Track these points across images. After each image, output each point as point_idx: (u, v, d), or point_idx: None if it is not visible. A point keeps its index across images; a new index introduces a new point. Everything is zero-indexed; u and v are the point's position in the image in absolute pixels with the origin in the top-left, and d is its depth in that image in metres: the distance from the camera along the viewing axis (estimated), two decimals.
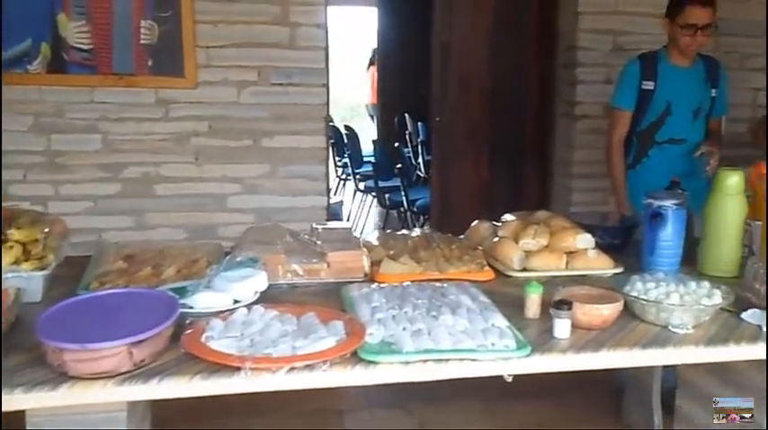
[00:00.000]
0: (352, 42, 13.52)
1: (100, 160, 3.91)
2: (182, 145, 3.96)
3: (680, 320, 1.77)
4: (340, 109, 13.49)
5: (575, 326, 1.74)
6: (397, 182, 5.89)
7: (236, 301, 1.85)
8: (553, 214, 2.53)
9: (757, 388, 1.99)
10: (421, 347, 1.59)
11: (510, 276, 2.21)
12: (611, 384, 3.23)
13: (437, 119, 5.01)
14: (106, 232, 3.90)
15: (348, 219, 6.61)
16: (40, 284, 1.90)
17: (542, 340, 1.70)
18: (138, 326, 1.51)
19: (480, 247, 2.37)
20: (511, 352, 1.60)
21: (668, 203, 2.17)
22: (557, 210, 4.16)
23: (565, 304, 1.72)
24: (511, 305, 1.89)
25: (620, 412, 3.11)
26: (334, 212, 4.90)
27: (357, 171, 6.95)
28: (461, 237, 2.52)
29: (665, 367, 2.73)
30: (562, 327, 1.72)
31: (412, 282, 2.04)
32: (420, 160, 7.13)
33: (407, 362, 1.57)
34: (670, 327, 1.77)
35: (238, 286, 1.87)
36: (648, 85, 3.22)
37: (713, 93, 3.33)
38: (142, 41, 3.79)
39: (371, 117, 10.78)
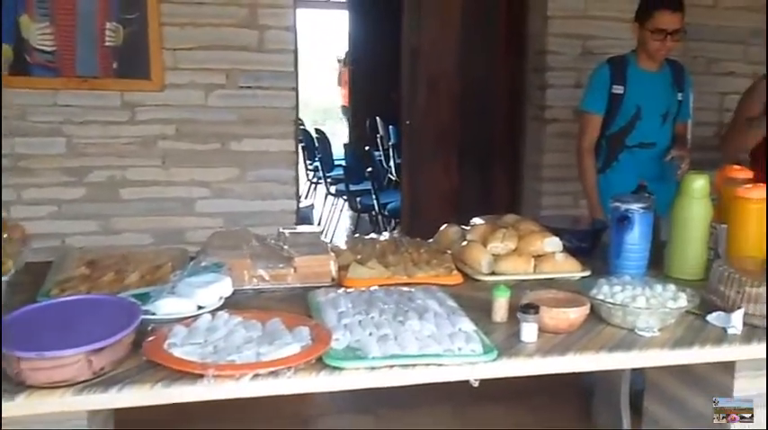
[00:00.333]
0: (324, 45, 13.52)
1: (64, 164, 3.84)
2: (148, 148, 3.91)
3: (646, 323, 1.78)
4: (312, 112, 13.46)
5: (542, 330, 1.74)
6: (368, 185, 5.89)
7: (200, 307, 1.82)
8: (521, 218, 2.53)
9: (723, 389, 2.00)
10: (387, 352, 1.57)
11: (478, 280, 2.20)
12: (581, 386, 3.24)
13: (407, 122, 5.01)
14: (70, 237, 3.84)
15: (319, 223, 6.58)
16: None
17: (509, 344, 1.69)
18: (99, 333, 1.48)
19: (449, 251, 2.36)
20: (477, 356, 1.59)
21: (635, 207, 2.18)
22: (527, 214, 4.18)
23: (532, 308, 1.72)
24: (479, 309, 1.88)
25: (590, 414, 3.12)
26: (304, 216, 4.88)
27: (328, 174, 6.93)
28: (430, 241, 2.51)
29: (633, 369, 2.74)
30: (529, 331, 1.71)
31: (379, 286, 2.02)
32: (391, 163, 7.13)
33: (373, 368, 1.55)
34: (636, 331, 1.78)
35: (202, 292, 1.84)
36: (618, 90, 3.24)
37: (680, 96, 3.36)
38: (107, 43, 3.73)
39: (347, 119, 10.76)
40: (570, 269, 2.26)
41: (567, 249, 2.34)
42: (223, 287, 1.88)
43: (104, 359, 1.46)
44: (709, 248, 2.30)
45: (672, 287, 1.91)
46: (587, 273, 2.23)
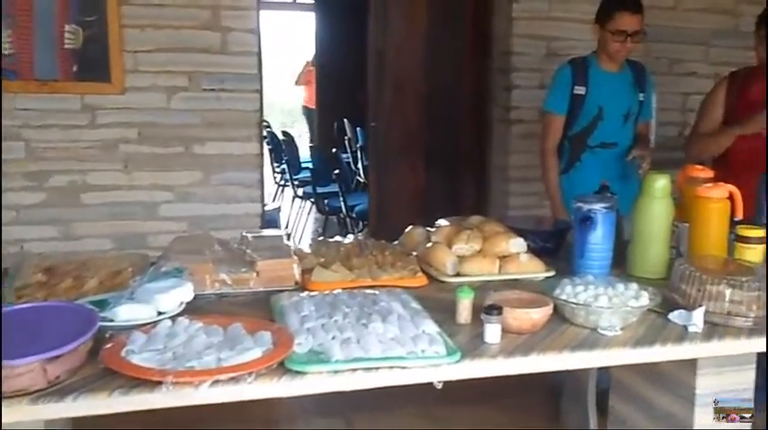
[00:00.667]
0: (291, 47, 13.46)
1: (23, 168, 3.78)
2: (109, 152, 3.85)
3: (608, 322, 1.78)
4: (279, 114, 13.41)
5: (505, 331, 1.73)
6: (335, 187, 5.86)
7: (160, 313, 1.78)
8: (486, 219, 2.53)
9: (685, 387, 2.02)
10: (350, 356, 1.56)
11: (443, 282, 2.20)
12: (549, 386, 3.25)
13: (373, 124, 5.00)
14: (29, 243, 3.77)
15: (286, 226, 6.55)
16: None
17: (473, 345, 1.69)
18: (54, 341, 1.44)
19: (414, 253, 2.35)
20: (440, 358, 1.58)
21: (597, 207, 2.18)
22: (494, 214, 4.20)
23: (495, 309, 1.71)
24: (443, 311, 1.87)
25: (558, 413, 3.13)
26: (271, 219, 4.84)
27: (295, 177, 6.89)
28: (396, 243, 2.50)
29: (599, 368, 2.76)
30: (492, 332, 1.71)
31: (343, 289, 2.00)
32: (359, 165, 7.12)
33: (336, 372, 1.53)
34: (599, 330, 1.78)
35: (163, 297, 1.80)
36: (580, 90, 3.26)
37: (641, 97, 3.40)
38: (66, 46, 3.68)
39: (309, 120, 10.69)
40: (535, 269, 2.26)
41: (532, 250, 2.35)
42: (184, 292, 1.85)
43: (60, 367, 1.43)
44: (672, 247, 2.32)
45: (634, 286, 1.92)
46: (552, 274, 2.23)
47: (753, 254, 2.15)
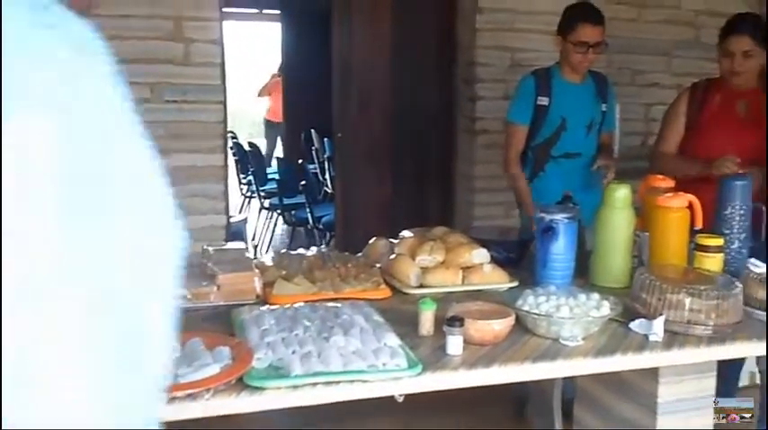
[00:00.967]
0: (258, 58, 13.43)
1: None
2: None
3: (570, 333, 1.79)
4: (246, 125, 13.34)
5: (467, 343, 1.73)
6: (302, 199, 5.84)
7: None
8: (450, 230, 2.53)
9: (647, 395, 2.03)
10: (310, 370, 1.54)
11: (407, 293, 2.19)
12: (515, 396, 3.26)
13: (339, 135, 4.99)
14: None
15: (253, 238, 6.50)
16: None
17: (435, 358, 1.68)
18: None
19: (378, 265, 2.34)
20: (402, 371, 1.58)
21: (559, 217, 2.19)
22: (460, 225, 4.22)
23: (457, 321, 1.71)
24: (407, 323, 1.86)
25: (524, 422, 3.13)
26: (237, 231, 4.80)
27: (262, 188, 6.84)
28: (359, 254, 2.49)
29: (564, 377, 2.77)
30: (455, 344, 1.70)
31: (305, 302, 1.99)
32: (327, 176, 7.10)
33: (296, 387, 1.52)
34: (561, 340, 1.79)
35: None
36: (543, 101, 3.28)
37: (603, 107, 3.43)
38: None
39: (268, 134, 10.55)
40: (498, 280, 2.26)
41: (496, 260, 2.35)
42: None
43: None
44: (633, 256, 2.34)
45: (595, 296, 1.93)
46: (515, 284, 2.24)
47: (712, 263, 2.17)
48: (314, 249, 2.45)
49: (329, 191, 6.88)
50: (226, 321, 1.89)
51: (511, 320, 1.80)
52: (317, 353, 1.61)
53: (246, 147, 7.92)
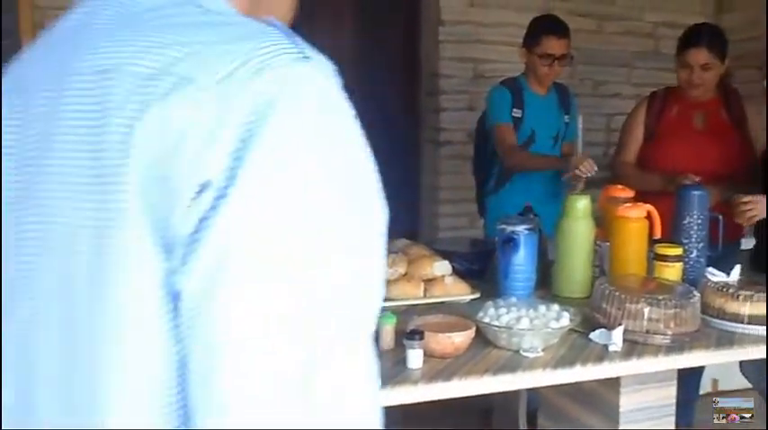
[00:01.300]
0: None
1: None
2: None
3: (530, 344, 1.79)
4: None
5: (428, 356, 1.72)
6: None
7: None
8: (412, 242, 2.52)
9: (609, 405, 2.03)
10: None
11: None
12: (481, 408, 3.26)
13: None
14: None
15: None
16: None
17: (395, 372, 1.67)
18: None
19: None
20: None
21: (520, 228, 2.20)
22: (425, 236, 4.21)
23: (417, 334, 1.70)
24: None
25: None
26: None
27: None
28: None
29: (528, 389, 2.77)
30: (415, 358, 1.69)
31: None
32: None
33: None
34: (521, 352, 1.78)
35: None
36: (517, 113, 3.30)
37: (566, 119, 3.46)
38: None
39: None
40: (460, 292, 2.26)
41: (458, 272, 2.35)
42: None
43: None
44: (594, 266, 2.35)
45: (555, 307, 1.93)
46: (477, 296, 2.24)
47: (671, 272, 2.19)
48: None
49: None
50: None
51: (471, 333, 1.80)
52: None
53: None
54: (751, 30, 4.11)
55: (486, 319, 1.86)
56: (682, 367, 1.95)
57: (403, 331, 1.76)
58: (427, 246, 2.51)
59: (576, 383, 1.95)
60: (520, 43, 3.36)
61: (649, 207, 2.29)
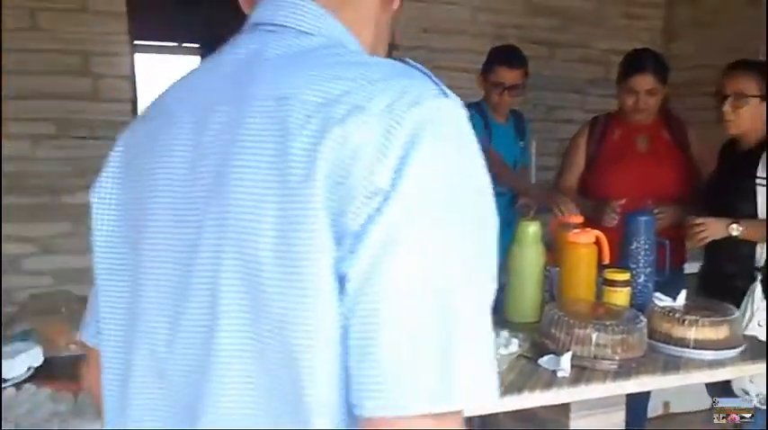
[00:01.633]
0: None
1: None
2: None
3: None
4: None
5: None
6: None
7: (5, 380, 1.66)
8: None
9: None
10: None
11: None
12: None
13: None
14: None
15: None
16: None
17: None
18: None
19: None
20: None
21: None
22: None
23: None
24: None
25: None
26: None
27: None
28: None
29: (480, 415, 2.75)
30: None
31: None
32: None
33: None
34: None
35: (7, 363, 1.68)
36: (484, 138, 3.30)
37: (521, 144, 3.48)
38: None
39: None
40: None
41: None
42: (32, 356, 1.73)
43: None
44: (544, 291, 2.35)
45: (505, 333, 1.93)
46: None
47: (619, 297, 2.20)
48: None
49: None
50: None
51: None
52: None
53: None
54: (697, 58, 4.20)
55: None
56: (630, 392, 1.95)
57: None
58: None
59: (526, 409, 1.93)
60: (474, 69, 3.38)
61: (598, 232, 2.30)
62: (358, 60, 0.78)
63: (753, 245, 2.60)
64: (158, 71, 14.29)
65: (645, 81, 2.91)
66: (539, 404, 1.80)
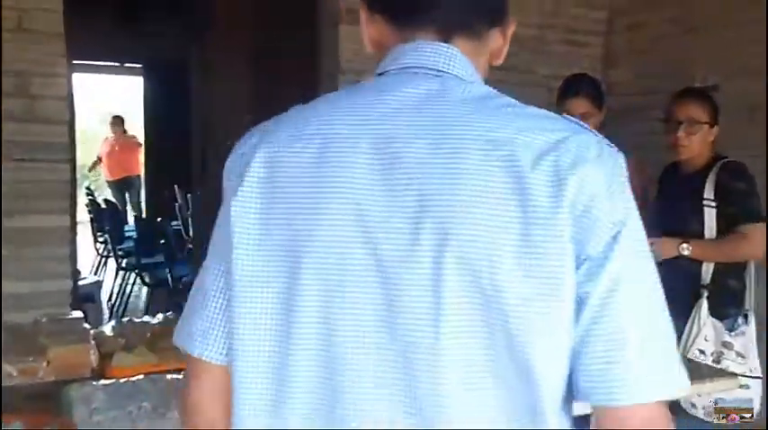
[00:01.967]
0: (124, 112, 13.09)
1: None
2: None
3: None
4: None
5: None
6: (161, 258, 5.62)
7: None
8: None
9: None
10: None
11: None
12: None
13: (198, 192, 4.87)
14: None
15: (109, 300, 6.19)
16: None
17: None
18: None
19: None
20: None
21: None
22: None
23: None
24: None
25: None
26: (87, 295, 4.54)
27: (119, 247, 6.51)
28: None
29: None
30: None
31: (146, 375, 1.87)
32: (192, 234, 6.89)
33: None
34: None
35: None
36: None
37: None
38: None
39: (121, 197, 10.11)
40: None
41: None
42: None
43: None
44: None
45: None
46: None
47: None
48: (160, 316, 2.33)
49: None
50: (55, 399, 1.74)
51: None
52: None
53: (103, 205, 7.61)
54: (636, 84, 4.29)
55: None
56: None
57: None
58: None
59: None
60: None
61: None
62: (539, 113, 0.90)
63: (699, 263, 2.67)
64: (98, 91, 14.07)
65: (579, 104, 2.97)
66: None
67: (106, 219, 7.14)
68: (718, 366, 2.48)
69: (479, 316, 0.80)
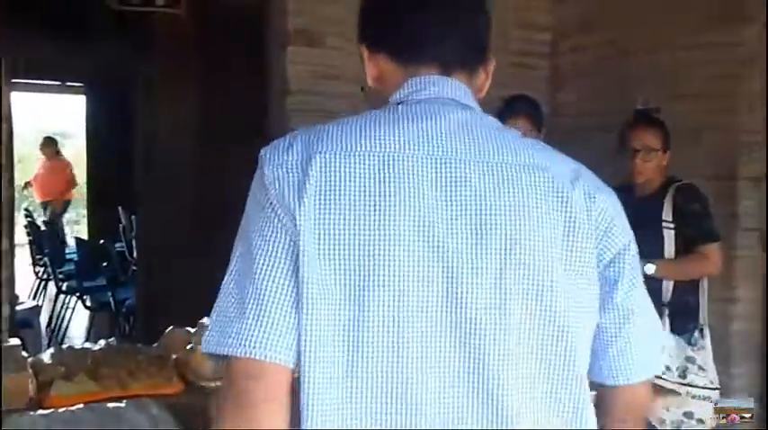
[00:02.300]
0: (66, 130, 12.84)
1: None
2: None
3: None
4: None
5: None
6: (103, 281, 5.47)
7: None
8: None
9: None
10: None
11: (204, 386, 2.05)
12: None
13: (141, 211, 4.76)
14: None
15: (48, 325, 6.00)
16: None
17: None
18: None
19: (174, 356, 2.18)
20: None
21: None
22: None
23: None
24: (200, 417, 1.73)
25: None
26: (25, 320, 4.38)
27: (60, 270, 6.32)
28: (155, 345, 2.32)
29: None
30: None
31: (86, 404, 1.80)
32: (135, 255, 6.73)
33: None
34: None
35: None
36: None
37: None
38: None
39: (51, 220, 9.81)
40: None
41: None
42: None
43: None
44: None
45: None
46: None
47: None
48: (101, 342, 2.26)
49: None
50: None
51: None
52: None
53: (43, 227, 7.40)
54: (582, 106, 4.34)
55: None
56: None
57: None
58: None
59: None
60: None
61: None
62: (547, 146, 1.10)
63: (659, 281, 2.72)
64: (40, 110, 13.75)
65: (517, 124, 2.98)
66: None
67: (45, 241, 6.95)
68: (685, 381, 2.58)
69: (534, 319, 0.96)
